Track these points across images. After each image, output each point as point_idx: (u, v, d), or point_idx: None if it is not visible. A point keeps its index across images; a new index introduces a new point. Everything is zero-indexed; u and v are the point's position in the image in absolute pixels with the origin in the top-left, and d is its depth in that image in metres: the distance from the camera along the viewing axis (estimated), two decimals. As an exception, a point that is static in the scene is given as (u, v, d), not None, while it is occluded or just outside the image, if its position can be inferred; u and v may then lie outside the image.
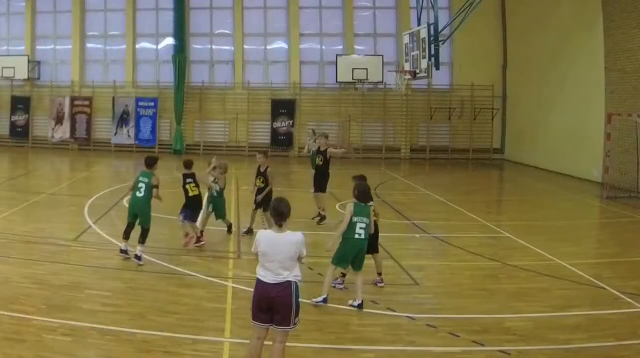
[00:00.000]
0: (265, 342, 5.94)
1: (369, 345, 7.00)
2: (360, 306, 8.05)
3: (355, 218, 8.09)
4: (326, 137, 14.45)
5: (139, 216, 10.07)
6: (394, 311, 8.07)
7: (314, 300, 8.10)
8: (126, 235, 10.07)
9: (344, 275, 8.88)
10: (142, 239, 9.98)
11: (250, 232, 11.86)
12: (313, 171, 15.67)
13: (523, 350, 6.90)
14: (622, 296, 8.79)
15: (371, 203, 8.58)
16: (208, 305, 8.19)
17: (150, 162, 10.35)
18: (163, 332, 7.07)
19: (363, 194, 8.32)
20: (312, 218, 13.35)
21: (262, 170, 12.09)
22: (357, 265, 8.24)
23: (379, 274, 9.10)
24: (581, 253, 11.69)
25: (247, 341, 6.12)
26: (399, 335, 7.37)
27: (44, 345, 6.59)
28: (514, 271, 10.18)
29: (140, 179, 10.20)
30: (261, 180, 12.00)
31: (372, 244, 8.68)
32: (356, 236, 8.11)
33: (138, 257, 9.83)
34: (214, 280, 9.25)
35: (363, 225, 8.15)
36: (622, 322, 7.86)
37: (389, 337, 7.29)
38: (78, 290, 8.48)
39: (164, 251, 10.72)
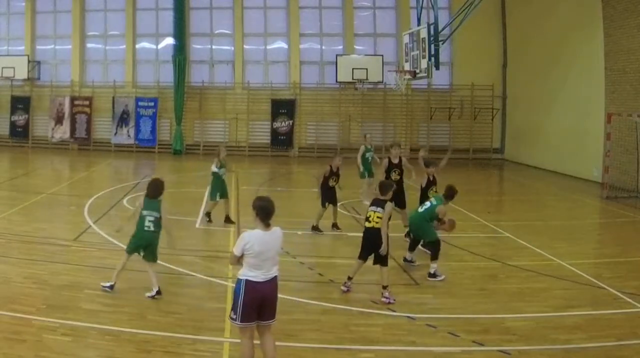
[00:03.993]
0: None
1: (369, 345, 7.00)
2: None
3: None
4: (399, 145, 13.09)
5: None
6: (394, 311, 8.07)
7: None
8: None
9: (350, 278, 8.80)
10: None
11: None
12: (368, 179, 15.82)
13: (523, 350, 6.90)
14: (622, 296, 8.79)
15: None
16: (208, 305, 8.18)
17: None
18: (163, 332, 7.07)
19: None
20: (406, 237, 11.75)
21: (334, 170, 12.62)
22: None
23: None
24: (581, 253, 11.69)
25: (247, 341, 6.12)
26: (399, 335, 7.37)
27: (44, 345, 6.59)
28: (514, 271, 10.18)
29: None
30: (334, 179, 12.60)
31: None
32: None
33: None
34: (214, 280, 9.26)
35: None
36: (622, 322, 7.86)
37: (389, 337, 7.28)
38: (78, 290, 8.47)
39: (163, 251, 10.70)
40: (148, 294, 8.26)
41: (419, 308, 8.26)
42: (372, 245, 8.52)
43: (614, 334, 7.38)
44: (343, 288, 8.73)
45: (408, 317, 7.89)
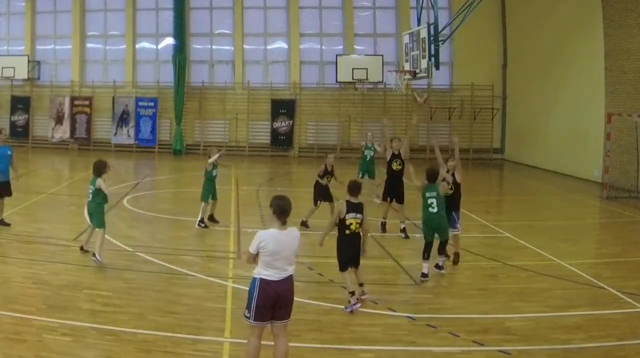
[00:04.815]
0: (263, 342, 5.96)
1: (369, 345, 7.00)
2: None
3: None
4: (399, 139, 13.24)
5: None
6: (394, 311, 8.07)
7: None
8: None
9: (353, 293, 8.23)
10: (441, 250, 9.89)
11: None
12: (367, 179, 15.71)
13: (523, 350, 6.89)
14: (622, 296, 8.79)
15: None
16: (208, 305, 8.18)
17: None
18: (163, 332, 7.07)
19: None
20: (400, 232, 12.29)
21: (329, 169, 12.88)
22: None
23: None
24: (581, 253, 11.68)
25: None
26: (399, 335, 7.36)
27: (44, 345, 6.58)
28: (514, 271, 10.18)
29: None
30: (327, 178, 12.87)
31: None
32: None
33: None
34: (214, 280, 9.25)
35: None
36: (622, 322, 7.85)
37: (389, 337, 7.28)
38: (78, 290, 8.48)
39: (164, 251, 10.72)
40: (96, 258, 9.61)
41: (419, 308, 8.26)
42: (355, 249, 8.23)
43: (614, 334, 7.38)
44: (357, 305, 8.05)
45: (408, 317, 7.89)
